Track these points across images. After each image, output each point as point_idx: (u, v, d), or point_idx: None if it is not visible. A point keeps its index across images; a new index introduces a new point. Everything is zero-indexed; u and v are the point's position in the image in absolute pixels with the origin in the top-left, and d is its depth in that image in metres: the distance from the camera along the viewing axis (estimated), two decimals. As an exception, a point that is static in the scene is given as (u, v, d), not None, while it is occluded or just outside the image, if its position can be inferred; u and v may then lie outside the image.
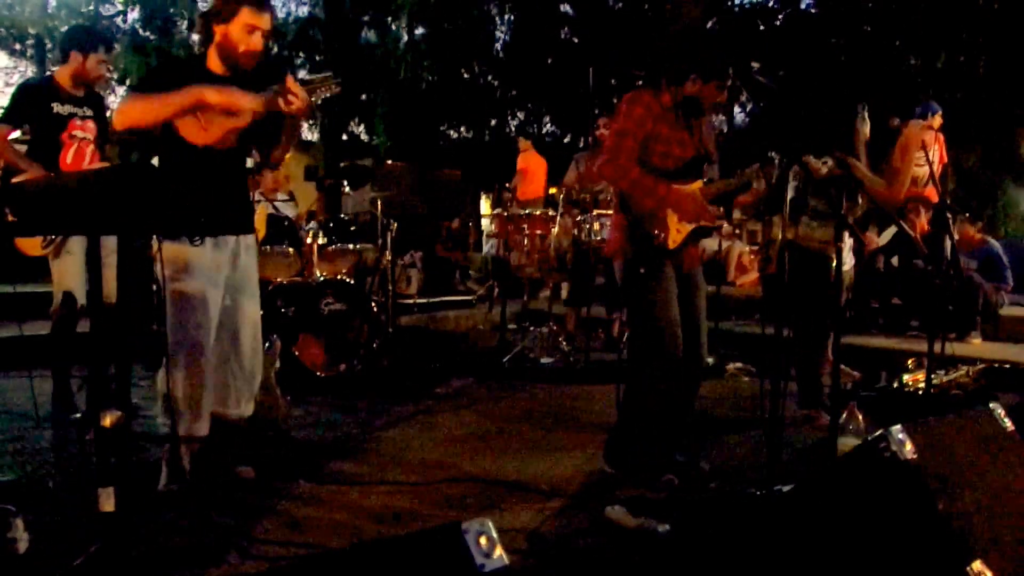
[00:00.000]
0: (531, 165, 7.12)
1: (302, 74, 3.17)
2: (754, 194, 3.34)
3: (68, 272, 3.49)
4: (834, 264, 4.05)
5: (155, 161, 2.69)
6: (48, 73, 3.88)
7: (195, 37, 3.15)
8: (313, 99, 2.58)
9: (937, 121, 5.43)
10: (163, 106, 2.43)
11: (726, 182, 3.05)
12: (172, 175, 2.59)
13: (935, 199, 5.59)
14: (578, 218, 5.51)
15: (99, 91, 3.76)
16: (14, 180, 3.28)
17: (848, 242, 4.18)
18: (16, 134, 3.58)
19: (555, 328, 5.99)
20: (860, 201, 4.05)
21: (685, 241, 2.94)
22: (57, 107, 3.53)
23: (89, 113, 3.63)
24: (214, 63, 2.60)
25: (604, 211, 5.37)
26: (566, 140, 19.68)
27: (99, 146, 3.70)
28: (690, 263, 3.04)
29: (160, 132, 2.57)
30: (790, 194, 3.82)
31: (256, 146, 2.81)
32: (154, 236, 2.35)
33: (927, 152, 5.11)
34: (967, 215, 6.67)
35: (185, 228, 2.52)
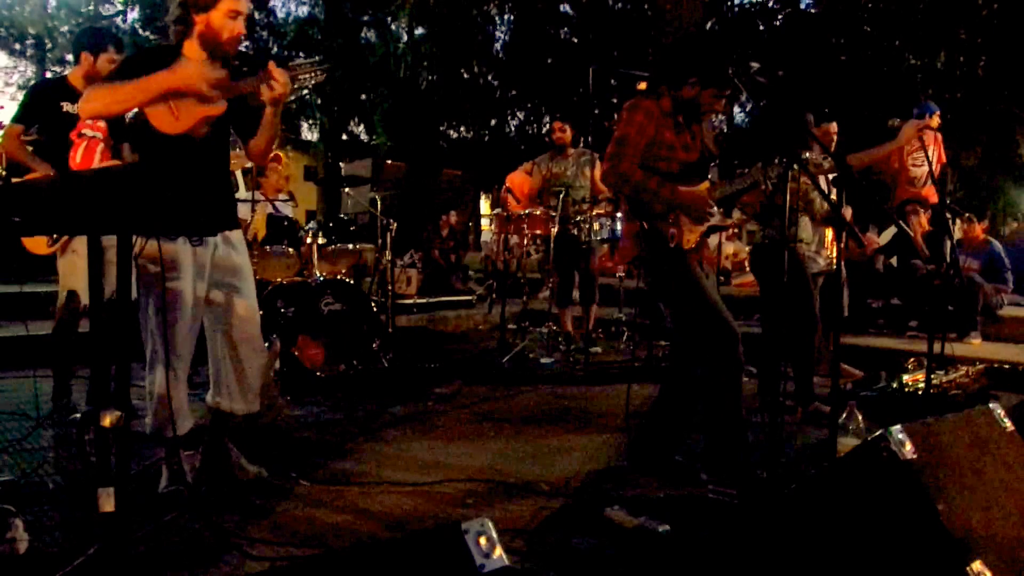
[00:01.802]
0: (515, 183, 7.19)
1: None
2: (759, 194, 3.34)
3: (73, 271, 3.49)
4: (813, 264, 4.09)
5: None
6: (62, 75, 3.89)
7: (171, 28, 3.07)
8: (296, 85, 2.52)
9: (935, 121, 5.43)
10: (132, 92, 2.38)
11: (731, 183, 3.04)
12: (147, 167, 2.55)
13: (934, 199, 5.60)
14: (577, 218, 5.51)
15: None
16: (15, 180, 3.28)
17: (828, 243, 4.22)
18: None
19: (555, 328, 5.99)
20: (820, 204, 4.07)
21: (700, 241, 2.94)
22: (67, 106, 3.53)
23: None
24: (192, 52, 2.54)
25: (603, 211, 5.37)
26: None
27: (111, 145, 3.70)
28: (705, 263, 3.04)
29: (135, 122, 2.52)
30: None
31: (237, 136, 2.74)
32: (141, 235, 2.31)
33: (927, 152, 5.12)
34: (968, 215, 6.68)
35: (185, 228, 2.50)
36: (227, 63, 2.53)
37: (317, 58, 2.61)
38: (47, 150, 3.52)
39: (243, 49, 2.65)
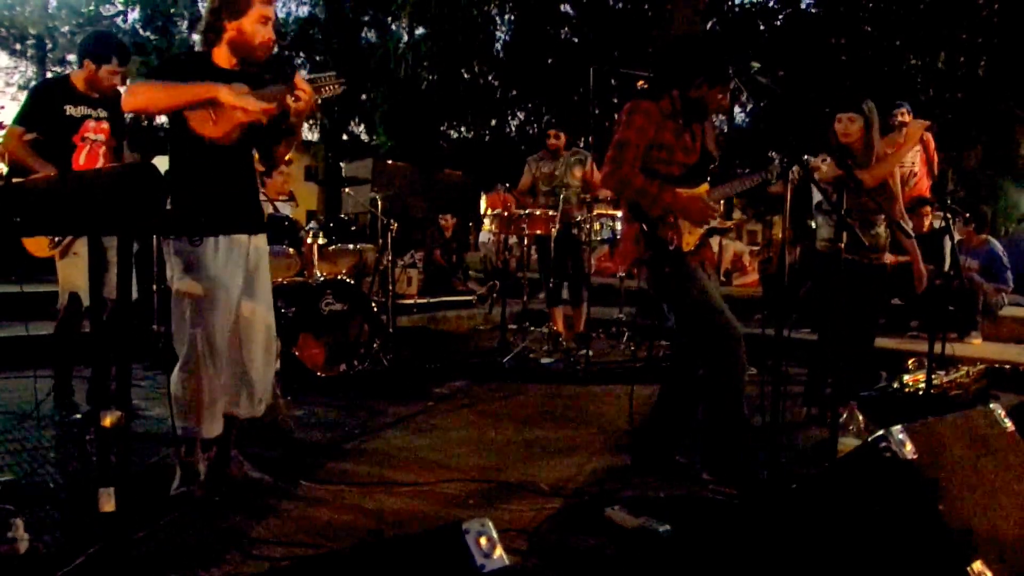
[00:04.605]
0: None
1: (303, 73, 3.13)
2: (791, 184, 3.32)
3: (74, 273, 3.48)
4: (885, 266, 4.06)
5: (163, 159, 2.68)
6: (65, 74, 3.87)
7: (196, 36, 3.06)
8: (317, 97, 2.57)
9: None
10: (177, 92, 2.42)
11: (732, 183, 3.04)
12: (183, 170, 2.59)
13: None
14: (578, 218, 5.51)
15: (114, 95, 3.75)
16: (15, 180, 3.27)
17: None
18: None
19: (555, 328, 5.99)
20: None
21: (700, 243, 2.93)
22: (70, 109, 3.52)
23: (104, 115, 3.62)
24: (222, 59, 2.57)
25: (604, 211, 5.37)
26: (565, 140, 19.69)
27: (112, 148, 3.69)
28: (707, 264, 3.04)
29: (170, 124, 2.57)
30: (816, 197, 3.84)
31: (258, 143, 2.77)
32: (155, 236, 2.34)
33: (926, 150, 5.12)
34: (969, 215, 6.66)
35: (187, 228, 2.51)
36: (252, 75, 2.56)
37: (334, 72, 2.67)
38: (50, 152, 3.50)
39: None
